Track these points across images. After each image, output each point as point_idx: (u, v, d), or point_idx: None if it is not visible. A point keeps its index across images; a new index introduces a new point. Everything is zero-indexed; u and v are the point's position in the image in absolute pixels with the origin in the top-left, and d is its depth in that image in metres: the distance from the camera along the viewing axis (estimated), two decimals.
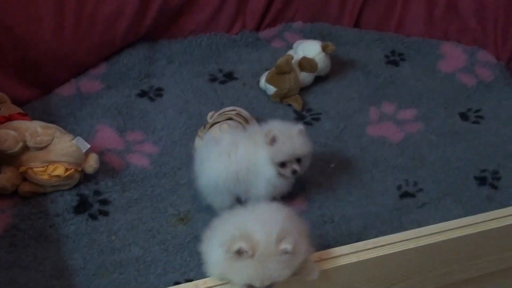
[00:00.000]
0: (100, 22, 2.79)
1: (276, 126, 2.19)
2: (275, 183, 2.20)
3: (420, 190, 2.44)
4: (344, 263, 1.66)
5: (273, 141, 2.14)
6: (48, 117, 2.58)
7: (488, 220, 1.83)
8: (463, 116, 2.83)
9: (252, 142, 2.20)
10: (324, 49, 2.91)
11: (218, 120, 2.45)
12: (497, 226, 1.82)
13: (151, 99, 2.81)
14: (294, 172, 2.17)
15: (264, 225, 1.60)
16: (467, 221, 1.82)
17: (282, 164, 2.17)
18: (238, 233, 1.58)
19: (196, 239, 2.06)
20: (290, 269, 1.58)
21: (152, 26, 2.98)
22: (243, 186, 2.20)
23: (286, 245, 1.55)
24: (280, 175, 2.18)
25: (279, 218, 1.63)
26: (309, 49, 2.93)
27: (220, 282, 1.61)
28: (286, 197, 2.33)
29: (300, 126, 2.19)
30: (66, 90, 2.78)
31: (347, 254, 1.67)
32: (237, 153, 2.17)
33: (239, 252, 1.55)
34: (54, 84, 2.78)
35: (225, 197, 2.21)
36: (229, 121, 2.43)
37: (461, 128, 2.76)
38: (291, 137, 2.15)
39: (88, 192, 2.33)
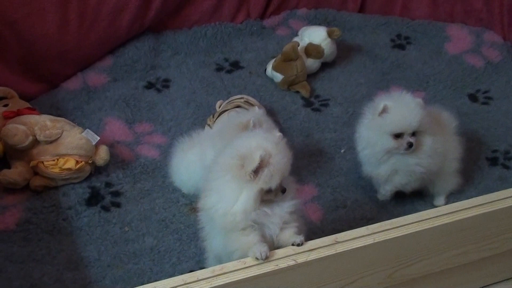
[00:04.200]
0: (104, 15, 2.79)
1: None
2: None
3: None
4: (360, 245, 1.65)
5: (384, 111, 2.11)
6: (55, 112, 2.58)
7: (502, 199, 1.82)
8: (472, 98, 2.83)
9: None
10: (330, 34, 2.91)
11: (226, 108, 2.44)
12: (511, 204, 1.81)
13: (158, 91, 2.81)
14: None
15: (256, 135, 1.69)
16: (481, 200, 1.81)
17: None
18: (244, 154, 1.62)
19: None
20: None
21: (156, 17, 2.97)
22: None
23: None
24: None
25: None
26: (315, 35, 2.93)
27: (236, 268, 1.60)
28: (297, 183, 2.32)
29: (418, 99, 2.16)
30: (73, 84, 2.78)
31: (364, 236, 1.67)
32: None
33: (261, 164, 1.60)
34: (61, 79, 2.78)
35: None
36: (237, 109, 2.42)
37: (471, 110, 2.76)
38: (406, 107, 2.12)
39: (100, 184, 2.33)
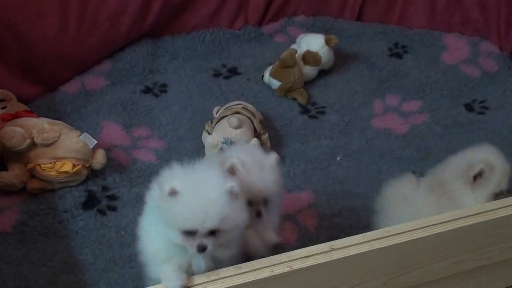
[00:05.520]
0: (103, 19, 2.79)
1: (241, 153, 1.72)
2: None
3: None
4: (356, 252, 1.65)
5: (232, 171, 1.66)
6: (53, 115, 2.58)
7: (498, 208, 1.83)
8: (468, 107, 2.84)
9: None
10: (327, 42, 2.92)
11: (225, 114, 2.45)
12: (507, 214, 1.82)
13: (156, 95, 2.81)
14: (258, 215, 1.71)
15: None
16: (477, 210, 1.82)
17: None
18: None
19: None
20: None
21: (155, 22, 2.98)
22: None
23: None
24: None
25: None
26: (313, 42, 2.94)
27: (231, 273, 1.60)
28: (294, 191, 2.34)
29: (275, 155, 1.74)
30: (71, 87, 2.78)
31: (359, 244, 1.67)
32: None
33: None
34: (59, 82, 2.78)
35: None
36: (237, 115, 2.43)
37: (466, 119, 2.77)
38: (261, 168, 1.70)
39: (96, 188, 2.33)
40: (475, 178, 1.93)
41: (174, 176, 1.52)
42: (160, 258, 1.58)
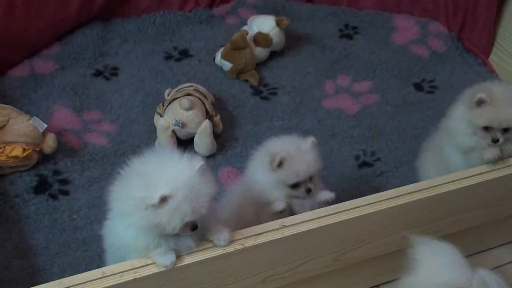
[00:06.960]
0: (52, 0, 2.74)
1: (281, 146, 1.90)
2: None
3: (378, 159, 2.49)
4: (306, 229, 1.69)
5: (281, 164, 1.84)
6: (2, 99, 2.54)
7: (445, 183, 1.88)
8: (418, 87, 2.89)
9: None
10: (278, 23, 2.93)
11: (177, 96, 2.45)
12: (453, 188, 1.87)
13: (107, 79, 2.79)
14: (308, 191, 1.88)
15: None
16: (424, 185, 1.87)
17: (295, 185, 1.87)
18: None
19: None
20: None
21: (105, 4, 2.94)
22: None
23: None
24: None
25: None
26: (264, 24, 2.94)
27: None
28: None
29: (312, 138, 1.91)
30: (20, 71, 2.73)
31: (309, 220, 1.70)
32: None
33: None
34: (7, 66, 2.73)
35: None
36: (188, 97, 2.43)
37: (416, 98, 2.82)
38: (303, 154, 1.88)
39: (47, 172, 2.31)
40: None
41: (155, 185, 1.49)
42: (147, 248, 1.58)
